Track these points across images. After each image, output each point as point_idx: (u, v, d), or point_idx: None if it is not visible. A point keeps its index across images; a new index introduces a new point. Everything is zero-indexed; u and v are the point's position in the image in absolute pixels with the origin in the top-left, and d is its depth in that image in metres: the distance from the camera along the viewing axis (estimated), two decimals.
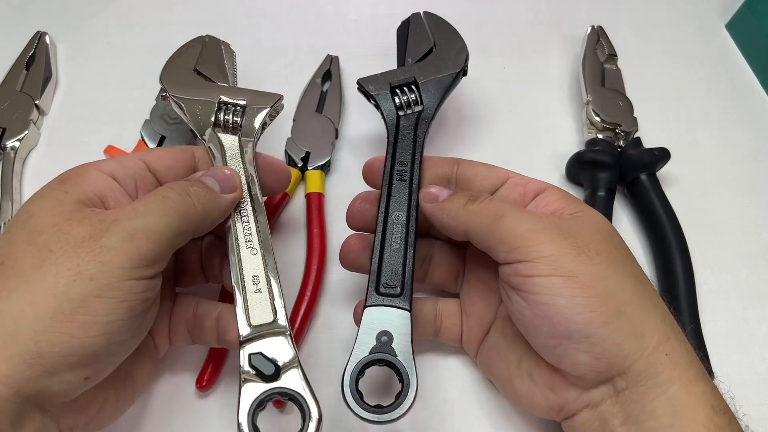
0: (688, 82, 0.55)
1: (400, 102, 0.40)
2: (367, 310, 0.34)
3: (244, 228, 0.35)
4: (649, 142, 0.48)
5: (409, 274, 0.34)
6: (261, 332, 0.32)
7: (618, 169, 0.46)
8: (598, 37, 0.53)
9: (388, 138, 0.39)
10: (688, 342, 0.31)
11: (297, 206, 0.47)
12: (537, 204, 0.34)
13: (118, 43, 0.56)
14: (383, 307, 0.34)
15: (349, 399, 0.31)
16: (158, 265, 0.30)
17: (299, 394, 0.31)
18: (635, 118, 0.48)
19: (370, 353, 0.32)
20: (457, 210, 0.33)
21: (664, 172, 0.47)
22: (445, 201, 0.34)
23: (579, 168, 0.47)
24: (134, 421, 0.38)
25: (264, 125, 0.39)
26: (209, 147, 0.37)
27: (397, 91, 0.40)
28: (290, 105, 0.50)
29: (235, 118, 0.38)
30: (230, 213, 0.35)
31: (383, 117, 0.40)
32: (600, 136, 0.48)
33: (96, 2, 0.58)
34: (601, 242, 0.31)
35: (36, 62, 0.52)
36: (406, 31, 0.45)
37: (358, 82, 0.41)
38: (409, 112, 0.40)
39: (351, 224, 0.39)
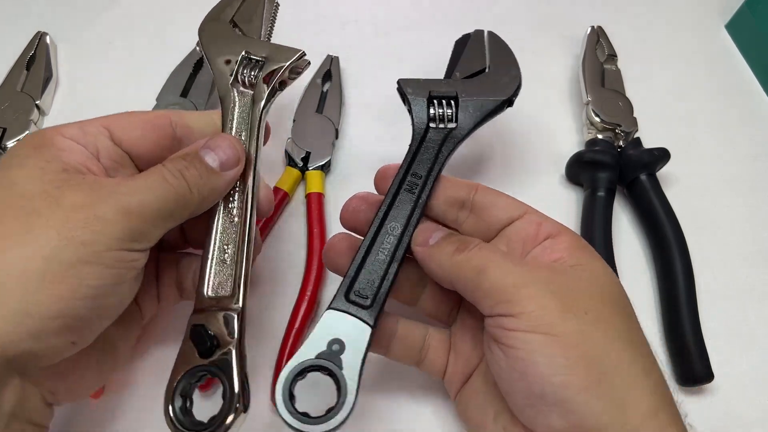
0: (688, 82, 0.55)
1: (434, 113, 0.38)
2: (328, 312, 0.32)
3: (231, 192, 0.34)
4: (649, 142, 0.48)
5: (386, 289, 0.33)
6: (214, 304, 0.31)
7: (618, 169, 0.46)
8: (598, 37, 0.53)
9: (410, 145, 0.37)
10: (681, 416, 0.29)
11: (297, 206, 0.47)
12: (544, 248, 0.32)
13: (118, 43, 0.56)
14: (347, 314, 0.32)
15: (278, 399, 0.29)
16: (148, 242, 0.30)
17: (225, 376, 0.30)
18: (635, 118, 0.48)
19: (316, 357, 0.30)
20: (444, 259, 0.32)
21: (664, 172, 0.47)
22: (434, 246, 0.33)
23: (579, 168, 0.47)
24: (137, 421, 0.38)
25: (282, 83, 0.37)
26: (222, 102, 0.36)
27: (435, 101, 0.38)
28: (290, 105, 0.50)
29: (252, 73, 0.36)
30: None
31: (412, 123, 0.38)
32: (600, 136, 0.48)
33: (96, 3, 0.58)
34: (594, 299, 0.29)
35: (36, 62, 0.52)
36: (463, 45, 0.43)
37: (398, 82, 0.39)
38: (440, 126, 0.38)
39: (343, 222, 0.37)
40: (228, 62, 0.37)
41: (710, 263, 0.45)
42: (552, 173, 0.49)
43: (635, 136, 0.48)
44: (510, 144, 0.51)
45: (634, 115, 0.48)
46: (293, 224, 0.46)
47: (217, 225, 0.33)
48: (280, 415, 0.29)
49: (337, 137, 0.49)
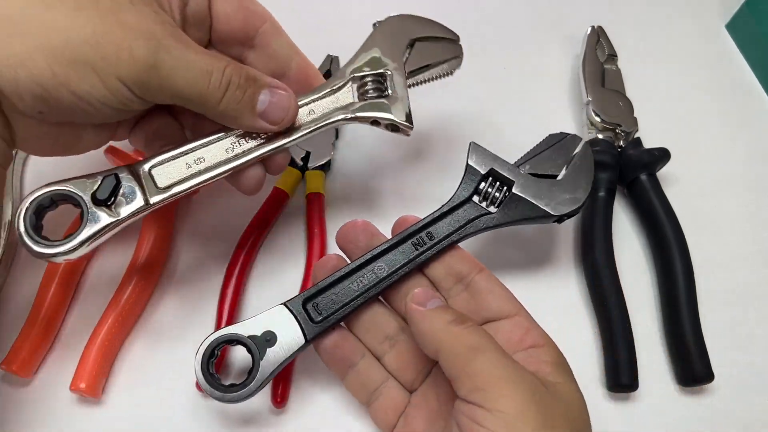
0: (688, 82, 0.55)
1: (483, 189, 0.38)
2: (280, 306, 0.34)
3: (249, 136, 0.35)
4: (649, 142, 0.48)
5: (341, 316, 0.34)
6: (141, 178, 0.33)
7: (618, 169, 0.46)
8: (598, 37, 0.53)
9: (443, 205, 0.37)
10: None
11: (297, 206, 0.47)
12: (528, 355, 0.32)
13: None
14: (294, 318, 0.33)
15: (199, 354, 0.32)
16: (152, 99, 0.31)
17: (89, 219, 0.31)
18: (635, 118, 0.48)
19: (248, 336, 0.33)
20: (439, 326, 0.30)
21: (664, 172, 0.47)
22: (432, 310, 0.31)
23: None
24: (137, 421, 0.38)
25: (376, 122, 0.37)
26: (332, 75, 0.37)
27: (491, 178, 0.38)
28: None
29: (370, 92, 0.37)
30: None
31: (459, 187, 0.38)
32: (600, 137, 0.48)
33: None
34: (565, 422, 0.28)
35: None
36: (554, 142, 0.40)
37: (471, 144, 0.39)
38: (481, 203, 0.37)
39: (337, 239, 0.37)
40: (369, 60, 0.38)
41: (710, 263, 0.45)
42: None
43: (635, 136, 0.48)
44: (510, 144, 0.51)
45: (634, 115, 0.48)
46: (293, 224, 0.46)
47: (213, 141, 0.34)
48: (196, 374, 0.32)
49: (337, 137, 0.49)
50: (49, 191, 0.31)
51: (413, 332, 0.32)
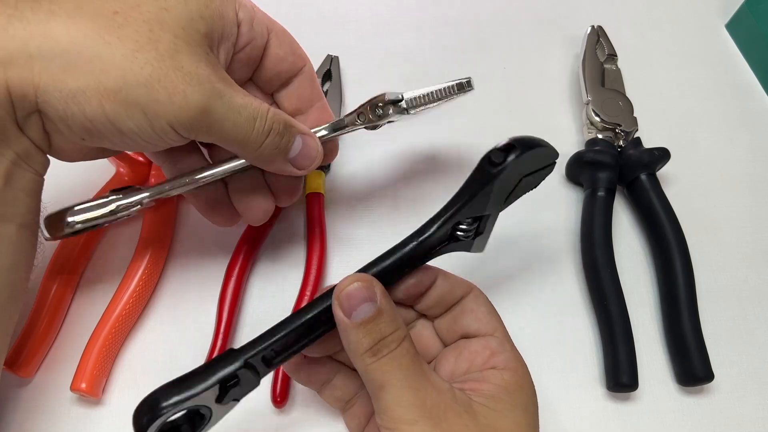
0: (688, 82, 0.55)
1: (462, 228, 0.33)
2: (244, 370, 0.29)
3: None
4: (649, 142, 0.48)
5: (286, 357, 0.31)
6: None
7: (618, 169, 0.46)
8: (598, 37, 0.53)
9: (409, 240, 0.32)
10: None
11: (297, 206, 0.47)
12: (479, 376, 0.31)
13: None
14: (249, 372, 0.29)
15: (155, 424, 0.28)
16: (194, 137, 0.31)
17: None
18: (635, 118, 0.48)
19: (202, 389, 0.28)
20: (356, 349, 0.29)
21: (664, 172, 0.47)
22: (354, 328, 0.28)
23: (579, 168, 0.47)
24: None
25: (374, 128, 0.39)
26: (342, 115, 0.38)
27: (474, 221, 0.33)
28: None
29: (375, 113, 0.38)
30: None
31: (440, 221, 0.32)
32: (600, 136, 0.48)
33: None
34: None
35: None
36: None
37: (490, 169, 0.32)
38: (460, 235, 0.33)
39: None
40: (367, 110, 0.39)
41: (710, 263, 0.45)
42: (552, 173, 0.49)
43: (635, 136, 0.48)
44: None
45: (634, 115, 0.48)
46: (293, 224, 0.46)
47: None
48: None
49: None
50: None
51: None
